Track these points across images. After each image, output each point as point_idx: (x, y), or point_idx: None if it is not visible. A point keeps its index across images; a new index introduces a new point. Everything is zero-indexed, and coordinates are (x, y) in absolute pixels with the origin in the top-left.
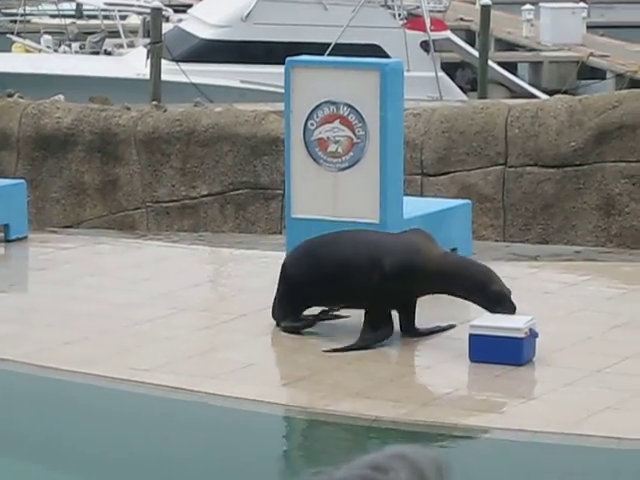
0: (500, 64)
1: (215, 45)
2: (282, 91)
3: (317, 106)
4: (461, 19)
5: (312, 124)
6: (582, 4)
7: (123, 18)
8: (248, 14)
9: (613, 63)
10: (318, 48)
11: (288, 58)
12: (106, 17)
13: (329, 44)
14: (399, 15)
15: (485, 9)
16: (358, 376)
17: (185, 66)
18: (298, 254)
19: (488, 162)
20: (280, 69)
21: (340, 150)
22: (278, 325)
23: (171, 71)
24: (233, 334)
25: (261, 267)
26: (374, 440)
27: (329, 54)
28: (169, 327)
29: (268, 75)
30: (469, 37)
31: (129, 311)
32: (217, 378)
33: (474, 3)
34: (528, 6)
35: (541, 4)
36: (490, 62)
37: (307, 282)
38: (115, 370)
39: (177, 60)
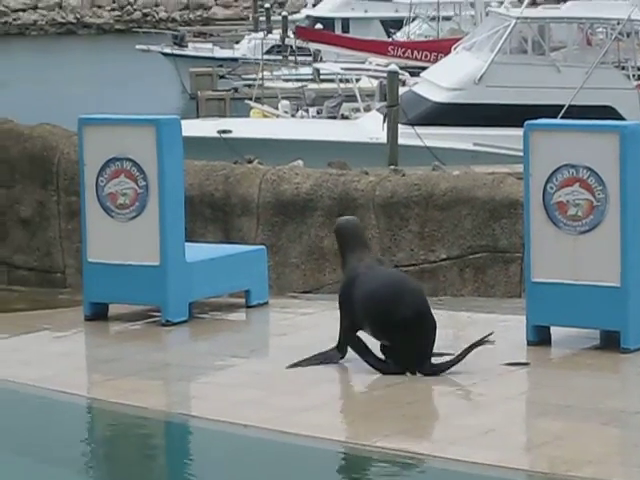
0: None
1: (448, 108)
2: (515, 153)
3: (556, 169)
4: None
5: (551, 187)
6: None
7: (356, 81)
8: (481, 77)
9: None
10: (551, 110)
11: (527, 122)
12: (340, 80)
13: (562, 106)
14: (633, 76)
15: None
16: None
17: (418, 129)
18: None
19: None
20: (513, 131)
21: (580, 213)
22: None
23: (405, 134)
24: (476, 397)
25: (501, 330)
26: None
27: (562, 116)
28: (411, 392)
29: (501, 137)
30: None
31: (369, 376)
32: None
33: None
34: None
35: None
36: None
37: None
38: (356, 436)
39: (411, 123)
